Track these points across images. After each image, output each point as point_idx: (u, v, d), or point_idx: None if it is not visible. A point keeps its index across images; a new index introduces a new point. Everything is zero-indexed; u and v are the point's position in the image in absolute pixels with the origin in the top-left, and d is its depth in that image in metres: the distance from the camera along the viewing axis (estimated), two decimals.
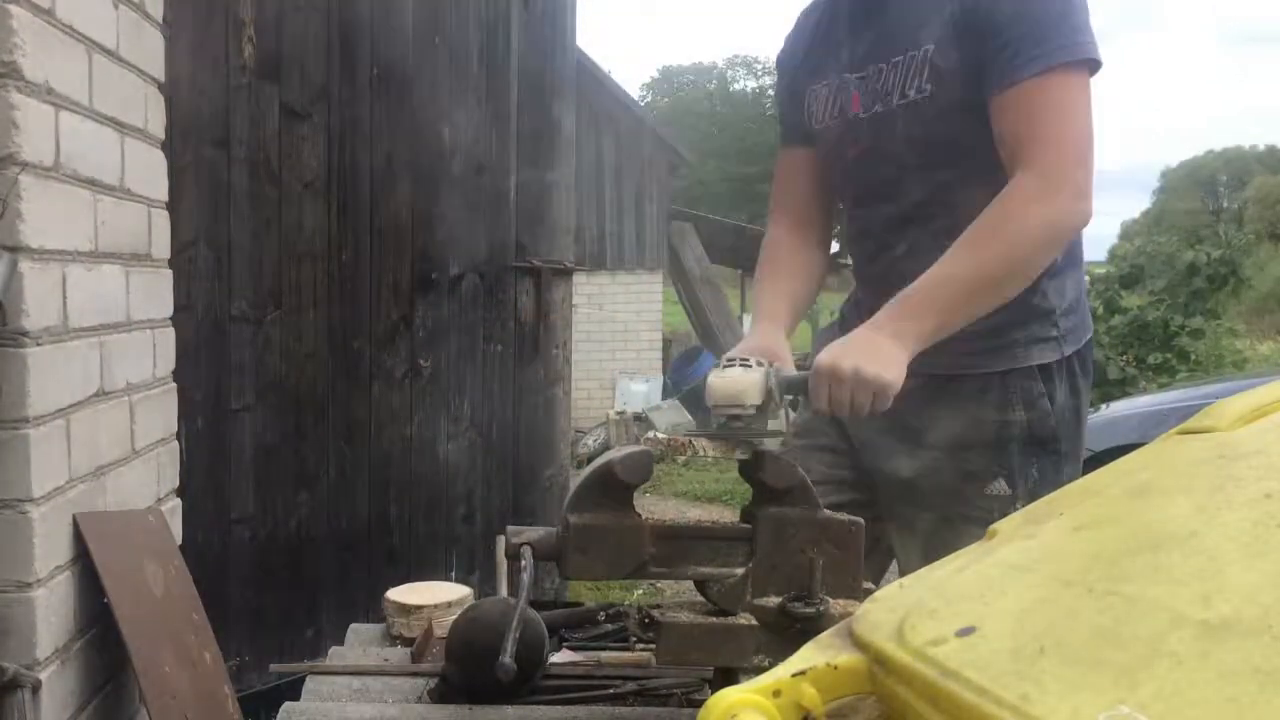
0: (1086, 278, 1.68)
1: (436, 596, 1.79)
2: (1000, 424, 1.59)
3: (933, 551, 1.56)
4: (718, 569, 1.26)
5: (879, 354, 1.37)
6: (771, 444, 1.33)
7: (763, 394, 1.34)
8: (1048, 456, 1.60)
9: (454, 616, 1.60)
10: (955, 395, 1.61)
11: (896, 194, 1.60)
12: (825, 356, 1.38)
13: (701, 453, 1.47)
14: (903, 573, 1.68)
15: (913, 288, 1.43)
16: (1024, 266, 1.45)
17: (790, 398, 1.40)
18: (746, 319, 12.99)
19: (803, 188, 1.79)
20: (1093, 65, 1.46)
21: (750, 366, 1.36)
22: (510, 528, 1.28)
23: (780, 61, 1.85)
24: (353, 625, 1.83)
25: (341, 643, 1.78)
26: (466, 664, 1.43)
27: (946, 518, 1.61)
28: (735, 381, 1.34)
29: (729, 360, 1.38)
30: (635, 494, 1.26)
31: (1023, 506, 1.53)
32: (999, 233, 1.41)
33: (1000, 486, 1.58)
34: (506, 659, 1.08)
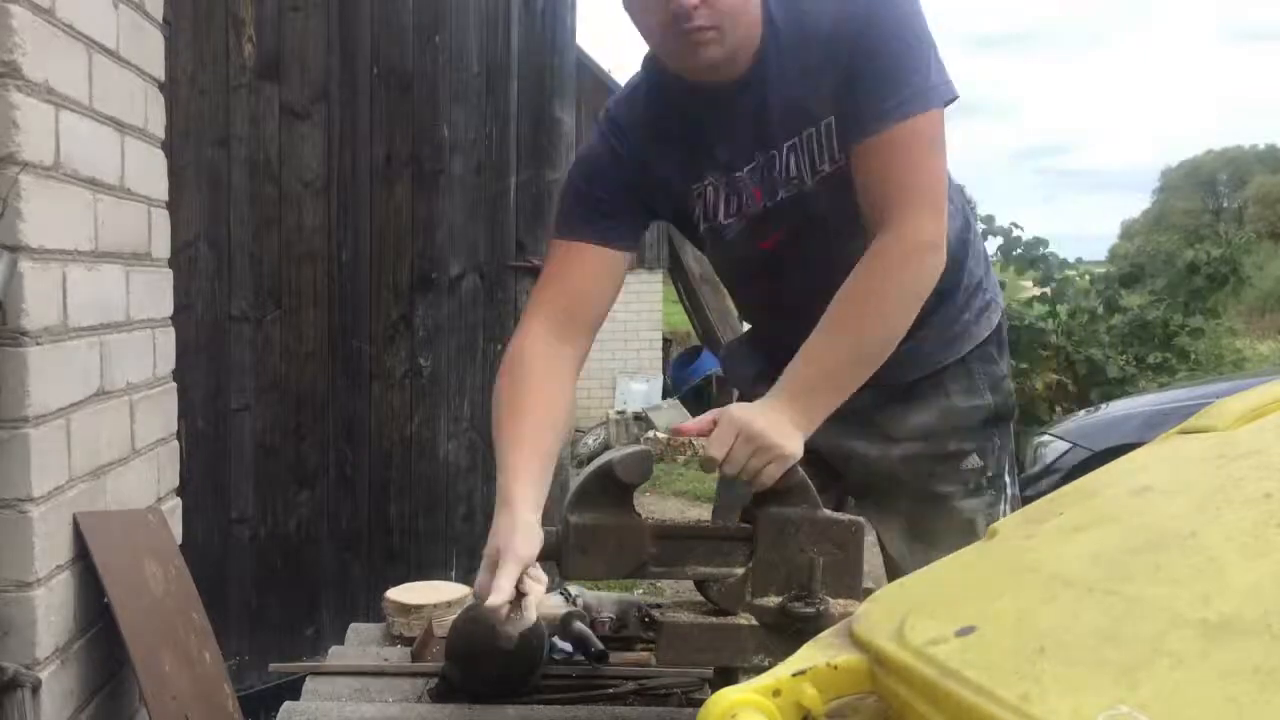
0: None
1: (436, 596, 1.79)
2: (970, 409, 1.66)
3: (914, 526, 1.67)
4: (717, 568, 1.26)
5: (782, 428, 1.32)
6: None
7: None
8: (1005, 423, 1.72)
9: (454, 616, 1.60)
10: (924, 388, 1.65)
11: (830, 263, 1.49)
12: (738, 411, 1.33)
13: (701, 450, 1.48)
14: (883, 548, 1.73)
15: (799, 371, 1.38)
16: (897, 333, 1.44)
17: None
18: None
19: (590, 290, 1.53)
20: (942, 105, 1.45)
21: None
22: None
23: (597, 162, 1.59)
24: (352, 625, 1.83)
25: (342, 642, 1.78)
26: (467, 663, 1.43)
27: (923, 495, 1.67)
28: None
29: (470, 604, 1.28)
30: (635, 493, 1.26)
31: (991, 474, 1.66)
32: (873, 309, 1.41)
33: (973, 460, 1.67)
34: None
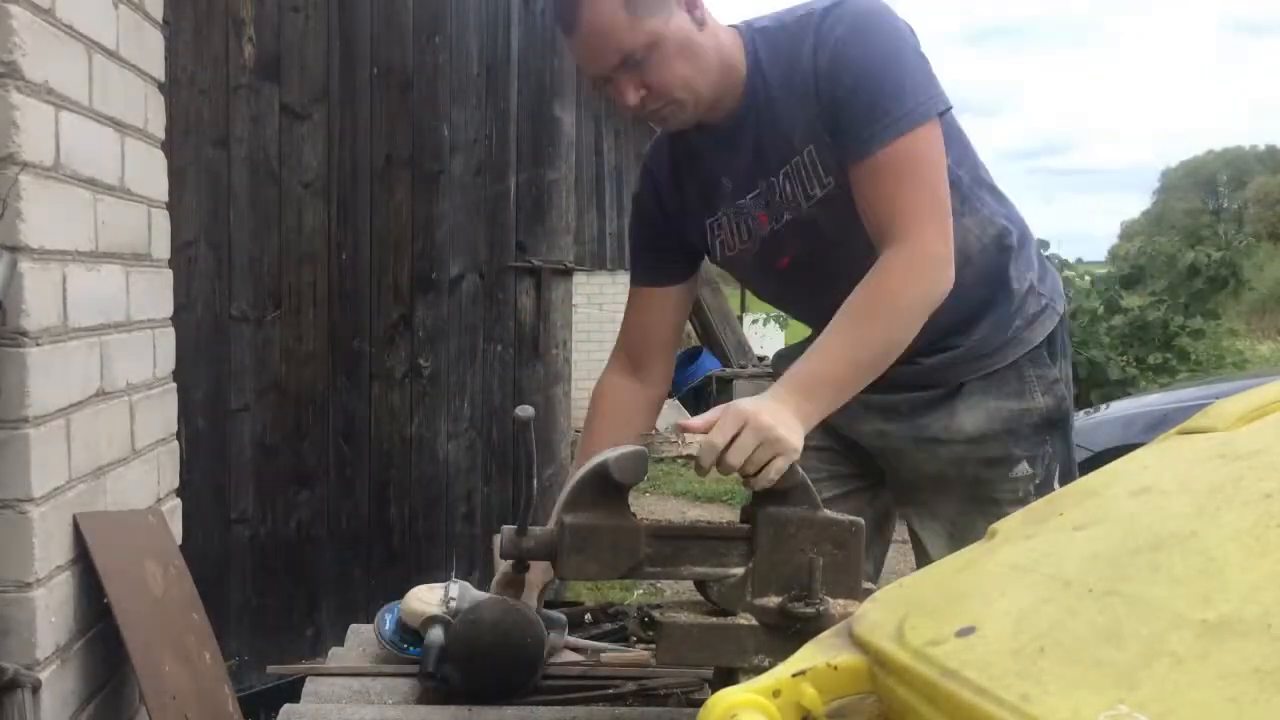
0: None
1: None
2: (1023, 411, 1.64)
3: (960, 531, 1.64)
4: (713, 569, 1.26)
5: (789, 421, 1.33)
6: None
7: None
8: (1059, 432, 1.68)
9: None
10: (974, 390, 1.65)
11: (845, 276, 1.51)
12: (743, 403, 1.34)
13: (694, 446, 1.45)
14: (921, 560, 1.72)
15: (804, 369, 1.41)
16: (900, 344, 1.46)
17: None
18: (747, 319, 12.99)
19: (652, 326, 1.72)
20: (936, 117, 1.46)
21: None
22: (506, 528, 1.28)
23: (642, 204, 1.74)
24: (353, 626, 1.83)
25: (342, 643, 1.78)
26: (467, 665, 1.42)
27: (970, 499, 1.66)
28: None
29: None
30: (635, 494, 1.26)
31: (1039, 481, 1.63)
32: (877, 315, 1.43)
33: (1024, 469, 1.64)
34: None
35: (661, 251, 1.71)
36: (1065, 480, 1.68)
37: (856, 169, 1.45)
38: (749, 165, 1.57)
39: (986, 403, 1.64)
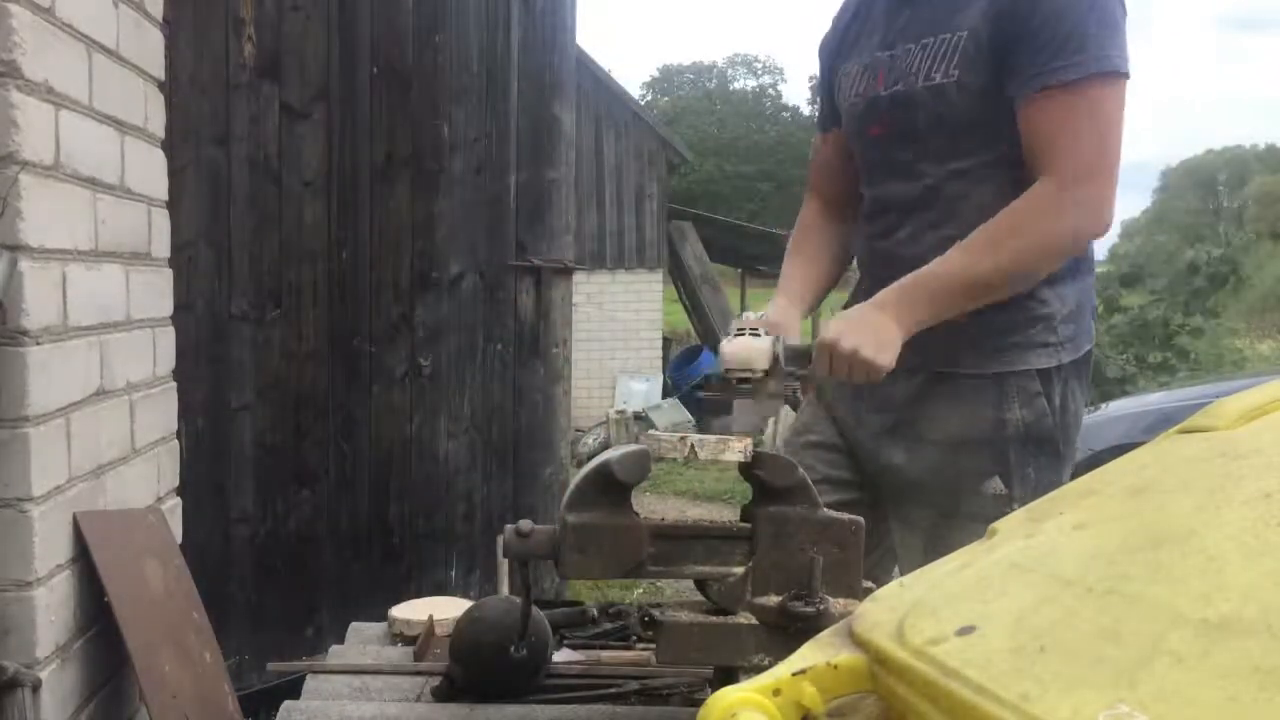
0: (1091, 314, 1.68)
1: (441, 613, 1.76)
2: (997, 422, 1.59)
3: (932, 549, 1.57)
4: (715, 568, 1.26)
5: (878, 336, 1.45)
6: (768, 411, 1.42)
7: (769, 360, 1.43)
8: (1044, 456, 1.60)
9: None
10: (952, 392, 1.62)
11: (911, 174, 1.62)
12: (830, 332, 1.46)
13: (691, 454, 1.43)
14: (903, 570, 1.69)
15: (916, 276, 1.49)
16: (1024, 277, 1.50)
17: (793, 371, 1.48)
18: (748, 316, 12.97)
19: (835, 169, 1.85)
20: (1125, 77, 1.49)
21: (759, 335, 1.44)
22: (509, 527, 1.28)
23: (821, 46, 1.87)
24: (353, 624, 1.83)
25: (342, 642, 1.78)
26: (471, 664, 1.42)
27: (945, 515, 1.62)
28: (745, 347, 1.43)
29: (739, 329, 1.46)
30: (635, 493, 1.26)
31: (1019, 506, 1.55)
32: (1007, 241, 1.46)
33: (996, 485, 1.59)
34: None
35: (827, 95, 1.82)
36: None
37: (1037, 94, 1.46)
38: (905, 22, 1.62)
39: (962, 409, 1.60)
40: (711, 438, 1.27)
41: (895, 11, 1.65)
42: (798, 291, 1.77)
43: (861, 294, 1.71)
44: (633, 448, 1.25)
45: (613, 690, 1.46)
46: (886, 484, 1.71)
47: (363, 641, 1.77)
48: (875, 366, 1.43)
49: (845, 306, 1.80)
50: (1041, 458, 1.59)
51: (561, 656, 1.60)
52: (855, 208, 1.82)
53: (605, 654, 1.63)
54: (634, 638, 1.68)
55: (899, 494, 1.69)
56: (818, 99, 1.91)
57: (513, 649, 1.32)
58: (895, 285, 1.50)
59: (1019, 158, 1.52)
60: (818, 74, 1.89)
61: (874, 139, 1.69)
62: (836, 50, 1.80)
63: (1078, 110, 1.45)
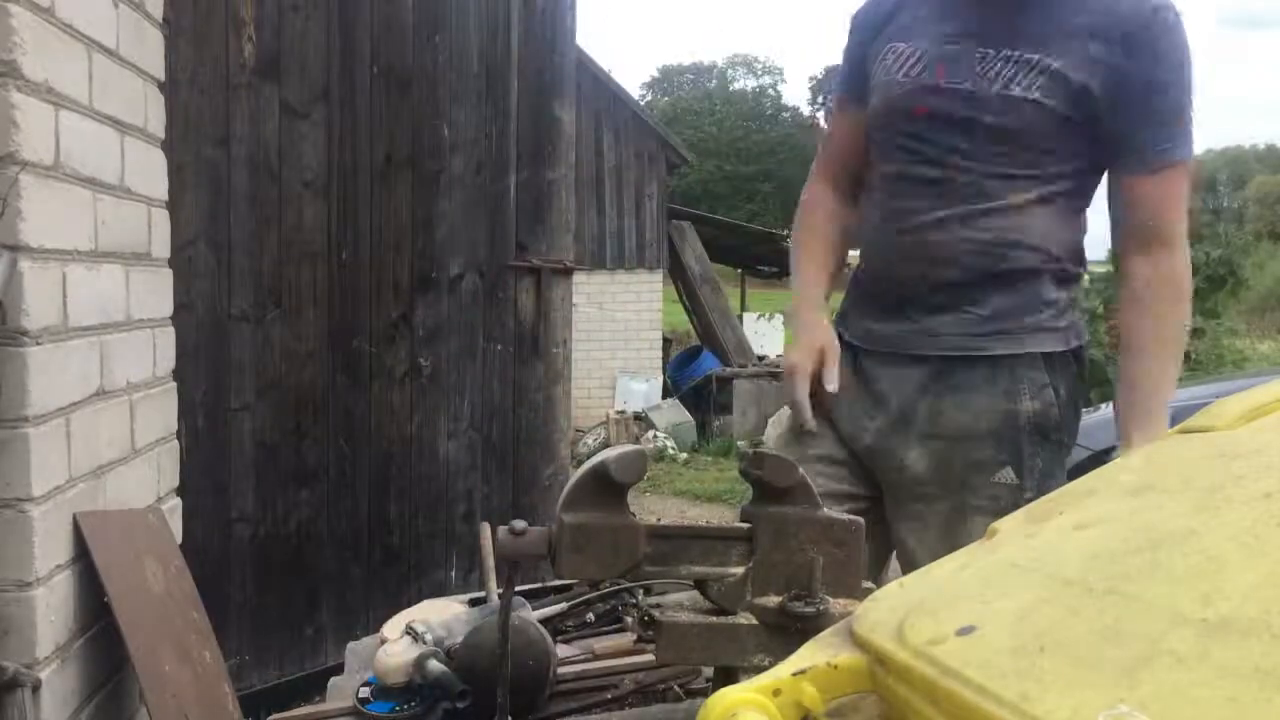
0: (1087, 278, 1.78)
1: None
2: (1008, 413, 1.62)
3: (945, 542, 1.61)
4: (712, 568, 1.26)
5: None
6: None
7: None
8: (1051, 446, 1.65)
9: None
10: (964, 382, 1.64)
11: (951, 165, 1.62)
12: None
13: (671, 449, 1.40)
14: (913, 566, 1.69)
15: (1141, 405, 1.58)
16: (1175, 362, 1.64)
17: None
18: (748, 317, 12.99)
19: (847, 149, 1.83)
20: None
21: None
22: (502, 526, 1.28)
23: (860, 18, 1.81)
24: (350, 645, 1.82)
25: (342, 642, 1.78)
26: (473, 690, 1.42)
27: (956, 507, 1.64)
28: None
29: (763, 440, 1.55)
30: (635, 494, 1.26)
31: (1029, 495, 1.58)
32: (1175, 334, 1.62)
33: (1008, 475, 1.62)
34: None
35: (855, 69, 1.78)
36: None
37: (1145, 171, 1.57)
38: (989, 24, 1.61)
39: (974, 400, 1.63)
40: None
41: (974, 8, 1.63)
42: (819, 295, 1.79)
43: (866, 280, 1.75)
44: (629, 448, 1.25)
45: (611, 695, 1.46)
46: (896, 482, 1.71)
47: (361, 663, 1.75)
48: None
49: (846, 296, 1.82)
50: (1049, 447, 1.64)
51: (559, 652, 1.60)
52: (853, 194, 1.82)
53: (599, 644, 1.62)
54: (629, 620, 1.68)
55: (906, 490, 1.70)
56: (833, 79, 1.93)
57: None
58: (1132, 421, 1.56)
59: (1069, 186, 1.62)
60: (847, 43, 1.83)
61: (919, 117, 1.66)
62: (882, 24, 1.74)
63: (1183, 185, 1.58)
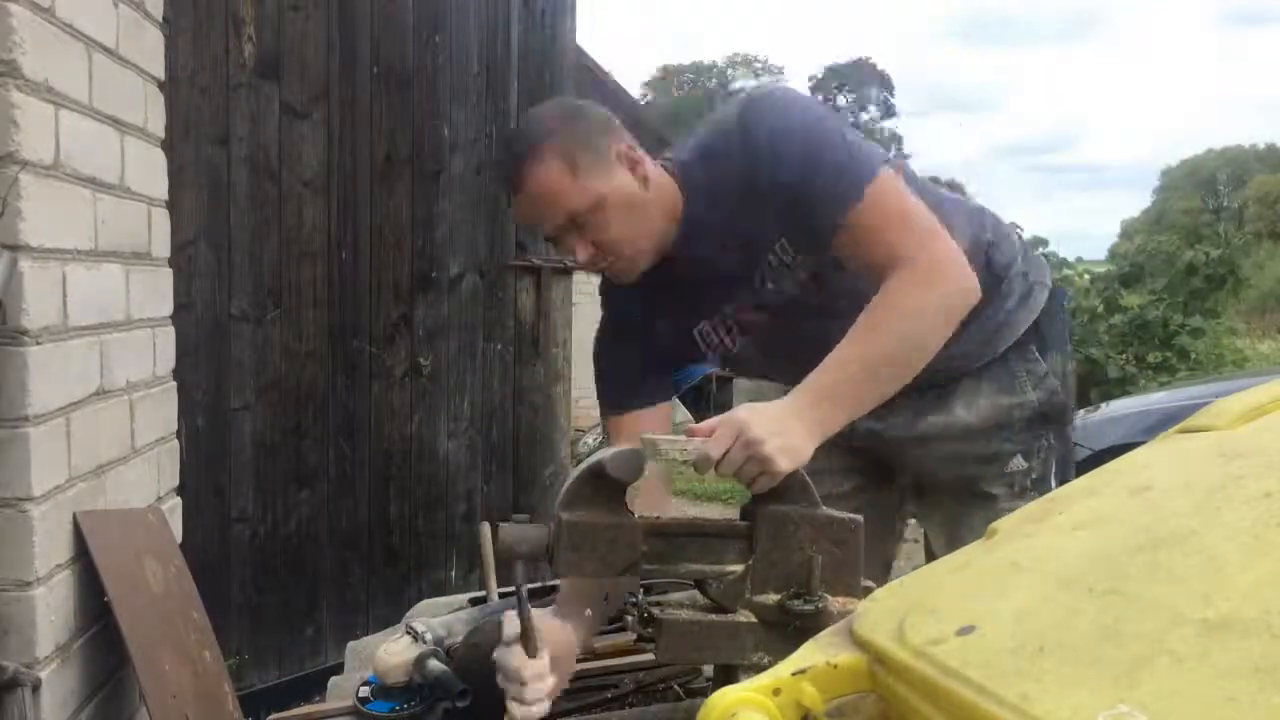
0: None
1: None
2: (1013, 406, 1.66)
3: (957, 527, 1.67)
4: (711, 566, 1.26)
5: (786, 440, 1.30)
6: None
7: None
8: (1056, 423, 1.69)
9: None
10: (968, 389, 1.66)
11: (817, 344, 1.47)
12: (741, 414, 1.31)
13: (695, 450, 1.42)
14: (929, 554, 1.76)
15: (819, 380, 1.39)
16: (922, 345, 1.42)
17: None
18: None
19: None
20: (889, 170, 1.47)
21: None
22: (503, 525, 1.28)
23: (608, 330, 1.69)
24: (350, 644, 1.82)
25: (342, 642, 1.78)
26: (473, 690, 1.42)
27: (971, 497, 1.68)
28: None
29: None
30: (633, 492, 1.26)
31: (1038, 476, 1.65)
32: (887, 320, 1.40)
33: (1018, 463, 1.66)
34: None
35: (644, 373, 1.63)
36: (1063, 473, 1.69)
37: (840, 240, 1.44)
38: (714, 288, 1.55)
39: (979, 399, 1.66)
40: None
41: (700, 280, 1.56)
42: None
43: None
44: (626, 447, 1.26)
45: (611, 694, 1.46)
46: (903, 477, 1.76)
47: (361, 663, 1.75)
48: (774, 468, 1.26)
49: None
50: (1054, 426, 1.69)
51: None
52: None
53: (599, 643, 1.62)
54: (623, 618, 1.67)
55: (917, 486, 1.75)
56: (604, 385, 1.67)
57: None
58: (800, 389, 1.39)
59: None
60: (608, 366, 1.66)
61: (764, 341, 1.61)
62: (648, 334, 1.63)
63: (875, 221, 1.42)
